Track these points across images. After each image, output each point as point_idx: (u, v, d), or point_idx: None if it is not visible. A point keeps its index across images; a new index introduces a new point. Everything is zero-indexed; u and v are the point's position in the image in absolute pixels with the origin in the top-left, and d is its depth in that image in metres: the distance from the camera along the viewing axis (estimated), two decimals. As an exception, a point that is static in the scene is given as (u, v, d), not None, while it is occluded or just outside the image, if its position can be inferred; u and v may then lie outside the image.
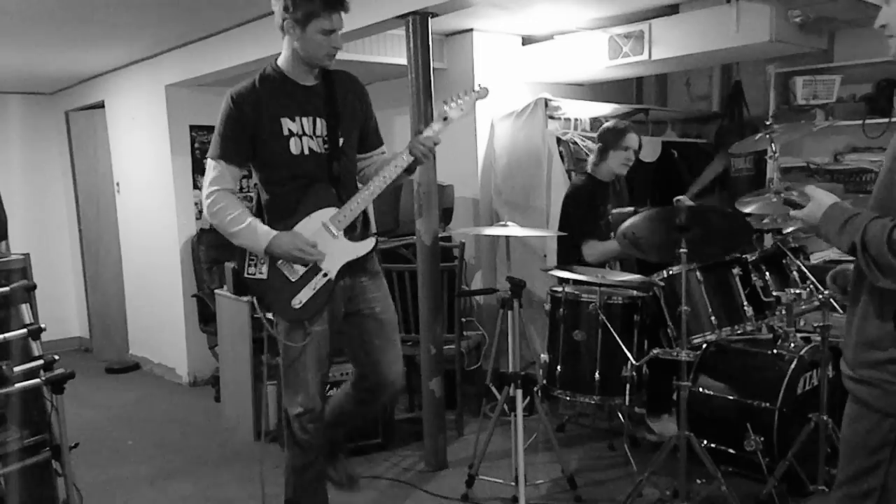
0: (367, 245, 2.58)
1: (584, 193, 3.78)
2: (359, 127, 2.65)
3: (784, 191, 1.78)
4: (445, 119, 2.58)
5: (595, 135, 3.98)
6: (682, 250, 2.82)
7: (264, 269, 2.51)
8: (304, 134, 2.49)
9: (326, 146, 2.53)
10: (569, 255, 3.73)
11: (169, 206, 5.37)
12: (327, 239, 2.50)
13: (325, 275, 2.51)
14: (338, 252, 2.52)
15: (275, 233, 2.47)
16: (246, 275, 2.55)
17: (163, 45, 4.91)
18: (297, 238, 2.46)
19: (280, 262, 2.50)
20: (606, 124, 3.92)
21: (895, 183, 1.51)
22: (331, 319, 2.58)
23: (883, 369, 1.53)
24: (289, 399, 2.62)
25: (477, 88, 2.65)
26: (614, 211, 3.78)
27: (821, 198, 1.64)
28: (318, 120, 2.52)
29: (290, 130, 2.48)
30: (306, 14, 2.35)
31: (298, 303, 2.50)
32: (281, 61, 2.51)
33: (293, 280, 2.50)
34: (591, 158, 3.86)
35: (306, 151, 2.49)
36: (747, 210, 3.10)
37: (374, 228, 2.69)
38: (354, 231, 2.57)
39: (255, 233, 2.47)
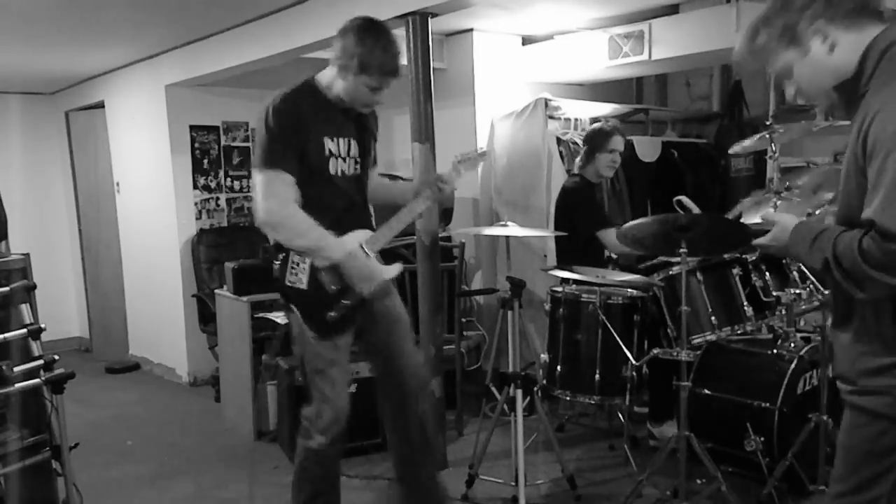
0: (397, 269, 2.62)
1: (581, 192, 3.80)
2: (374, 146, 2.71)
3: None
4: (458, 172, 2.76)
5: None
6: (681, 250, 2.82)
7: (304, 278, 2.47)
8: (340, 155, 2.52)
9: (356, 168, 2.58)
10: (569, 254, 3.74)
11: (169, 206, 5.37)
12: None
13: (357, 296, 2.52)
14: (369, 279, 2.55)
15: (348, 248, 2.46)
16: (287, 282, 2.48)
17: (163, 45, 4.91)
18: (373, 265, 2.50)
19: (322, 273, 2.47)
20: (593, 126, 3.95)
21: (850, 175, 1.50)
22: (354, 332, 2.60)
23: (891, 375, 1.50)
24: (313, 416, 2.54)
25: (480, 151, 2.87)
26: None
27: (783, 220, 1.65)
28: (351, 142, 2.56)
29: (330, 151, 2.49)
30: (362, 67, 2.40)
31: (332, 317, 2.49)
32: (325, 80, 2.52)
33: (330, 292, 2.48)
34: (578, 160, 3.89)
35: (340, 173, 2.52)
36: (752, 221, 3.10)
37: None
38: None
39: (334, 243, 2.44)
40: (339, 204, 2.54)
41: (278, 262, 2.50)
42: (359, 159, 2.58)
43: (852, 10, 1.50)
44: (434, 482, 2.84)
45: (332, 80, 2.50)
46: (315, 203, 2.47)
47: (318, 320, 2.48)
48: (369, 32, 2.41)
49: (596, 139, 3.79)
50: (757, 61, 1.63)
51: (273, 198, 2.39)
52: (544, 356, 3.39)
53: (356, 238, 2.53)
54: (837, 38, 1.51)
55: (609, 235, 3.65)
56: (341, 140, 2.52)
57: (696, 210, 3.47)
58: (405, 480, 2.80)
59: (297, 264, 2.47)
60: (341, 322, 2.51)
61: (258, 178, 2.43)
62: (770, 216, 1.70)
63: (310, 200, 2.47)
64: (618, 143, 3.76)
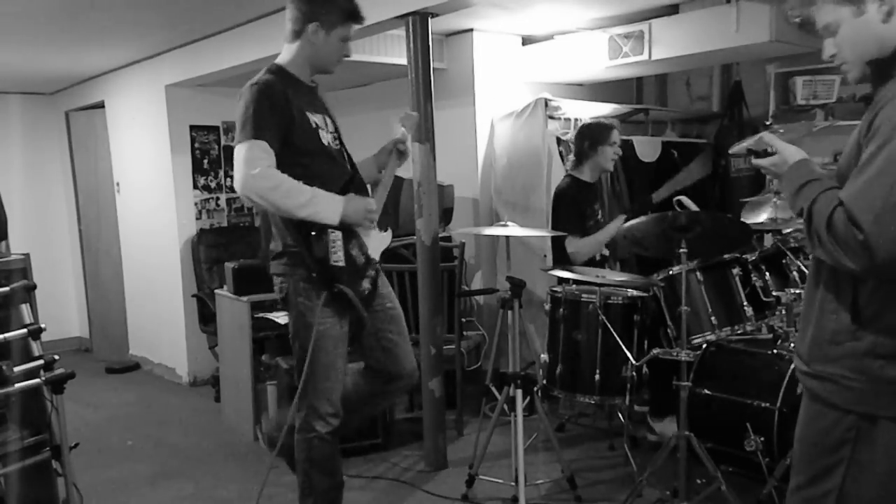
0: (390, 235, 2.66)
1: (567, 195, 3.83)
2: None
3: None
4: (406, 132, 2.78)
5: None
6: (682, 250, 2.82)
7: (341, 255, 2.43)
8: (323, 128, 2.54)
9: (337, 143, 2.61)
10: (560, 256, 3.77)
11: (169, 206, 5.37)
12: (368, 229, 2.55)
13: (375, 262, 2.57)
14: (376, 242, 2.59)
15: (343, 196, 2.43)
16: (332, 262, 2.42)
17: (163, 45, 4.91)
18: (364, 200, 2.47)
19: (351, 245, 2.46)
20: (587, 122, 3.96)
21: (853, 144, 1.50)
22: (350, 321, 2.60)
23: (839, 364, 1.51)
24: (319, 402, 2.54)
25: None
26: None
27: (786, 151, 1.63)
28: (326, 118, 2.59)
29: (315, 123, 2.52)
30: (334, 21, 2.47)
31: (364, 290, 2.52)
32: (287, 58, 2.54)
33: (359, 266, 2.50)
34: (571, 160, 3.89)
35: (329, 145, 2.55)
36: (753, 220, 3.11)
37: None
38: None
39: (329, 198, 2.39)
40: (342, 175, 2.54)
41: (314, 242, 2.40)
42: (336, 134, 2.61)
43: None
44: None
45: (295, 53, 2.53)
46: (318, 177, 2.43)
47: (352, 295, 2.46)
48: None
49: (597, 134, 3.80)
50: (806, 7, 1.56)
51: (254, 165, 2.32)
52: (544, 356, 3.40)
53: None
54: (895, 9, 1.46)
55: (572, 244, 3.69)
56: (318, 115, 2.55)
57: (695, 210, 3.47)
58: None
59: (335, 242, 2.42)
60: (370, 293, 2.55)
61: (240, 150, 2.36)
62: (775, 142, 1.65)
63: (313, 176, 2.42)
64: (616, 135, 3.81)
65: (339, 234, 2.42)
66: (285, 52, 2.55)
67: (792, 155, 1.61)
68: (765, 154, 1.66)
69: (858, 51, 1.52)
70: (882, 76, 1.50)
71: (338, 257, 2.42)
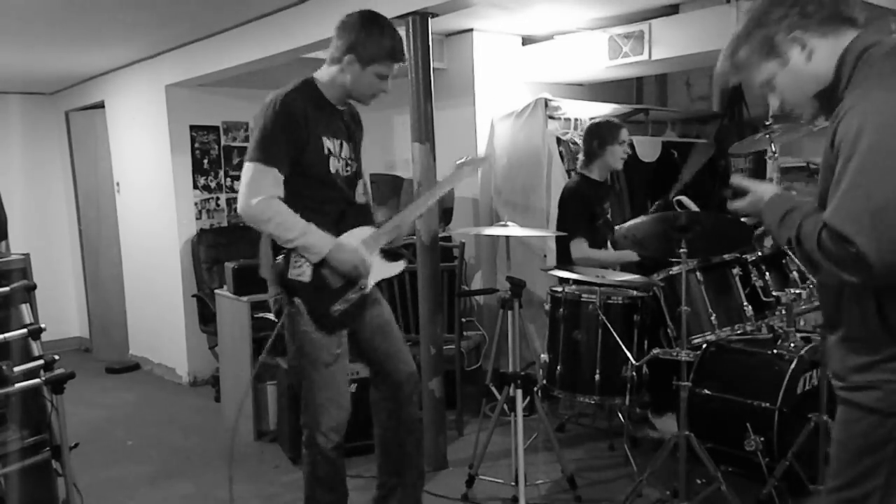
0: (400, 266, 2.66)
1: (576, 194, 3.81)
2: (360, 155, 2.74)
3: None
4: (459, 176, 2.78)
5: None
6: (681, 250, 2.82)
7: (308, 271, 2.47)
8: (336, 155, 2.54)
9: (349, 170, 2.60)
10: (563, 256, 3.76)
11: (169, 206, 5.37)
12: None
13: (362, 288, 2.54)
14: (374, 269, 2.58)
15: (336, 240, 2.47)
16: (290, 276, 2.47)
17: (163, 45, 4.91)
18: (356, 254, 2.49)
19: (324, 268, 2.47)
20: (596, 121, 3.95)
21: (825, 165, 1.53)
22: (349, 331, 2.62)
23: (879, 369, 1.52)
24: (318, 417, 2.54)
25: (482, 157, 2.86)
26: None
27: (759, 189, 1.69)
28: (344, 143, 2.58)
29: (329, 149, 2.51)
30: (372, 57, 2.46)
31: (336, 311, 2.50)
32: (324, 78, 2.55)
33: (333, 287, 2.50)
34: (581, 159, 3.88)
35: (336, 172, 2.54)
36: (753, 220, 3.10)
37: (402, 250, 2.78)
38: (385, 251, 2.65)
39: (318, 237, 2.44)
40: (339, 202, 2.55)
41: (281, 257, 2.49)
42: (350, 161, 2.61)
43: (826, 18, 1.54)
44: (417, 489, 2.85)
45: (332, 76, 2.53)
46: (316, 202, 2.49)
47: (322, 314, 2.49)
48: (374, 22, 2.48)
49: (606, 133, 3.78)
50: (739, 75, 1.69)
51: (259, 193, 2.39)
52: (544, 356, 3.39)
53: (357, 235, 2.54)
54: (815, 46, 1.55)
55: (578, 248, 3.67)
56: (335, 141, 2.54)
57: (695, 210, 3.47)
58: (387, 485, 2.81)
59: (301, 257, 2.46)
60: (345, 316, 2.52)
61: (248, 170, 2.43)
62: (746, 184, 1.73)
63: (310, 199, 2.48)
64: (626, 134, 3.80)
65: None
66: (324, 70, 2.56)
67: (765, 191, 1.67)
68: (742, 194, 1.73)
69: (799, 93, 1.62)
70: (831, 103, 1.56)
71: (299, 272, 2.46)
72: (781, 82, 1.62)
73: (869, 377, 1.53)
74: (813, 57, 1.56)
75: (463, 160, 2.77)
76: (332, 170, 2.52)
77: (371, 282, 2.58)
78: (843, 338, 1.58)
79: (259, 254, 2.67)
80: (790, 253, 3.18)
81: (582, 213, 3.75)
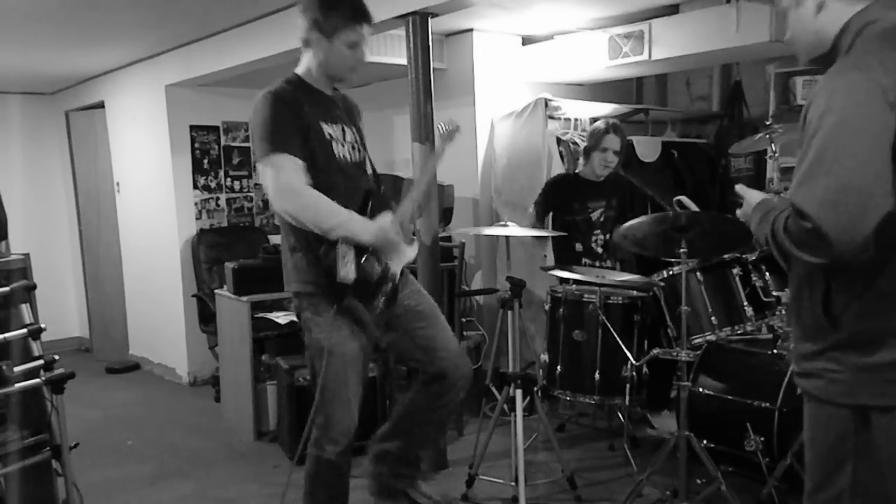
0: (416, 249, 2.59)
1: (553, 181, 3.96)
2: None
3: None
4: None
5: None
6: (681, 250, 2.82)
7: (352, 269, 2.35)
8: (338, 140, 2.48)
9: (358, 155, 2.55)
10: (561, 256, 3.76)
11: (169, 206, 5.37)
12: None
13: (393, 277, 2.48)
14: (400, 255, 2.53)
15: (376, 223, 2.40)
16: (339, 278, 2.35)
17: (163, 45, 4.91)
18: (392, 223, 2.42)
19: (364, 260, 2.39)
20: (594, 124, 3.97)
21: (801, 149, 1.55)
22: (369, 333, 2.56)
23: (823, 358, 1.52)
24: (330, 421, 2.50)
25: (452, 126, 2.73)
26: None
27: (750, 196, 1.71)
28: (346, 128, 2.53)
29: (329, 134, 2.45)
30: (334, 26, 2.39)
31: (378, 305, 2.45)
32: (304, 68, 2.51)
33: (373, 281, 2.42)
34: (581, 160, 3.95)
35: (344, 158, 2.48)
36: None
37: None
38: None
39: (361, 222, 2.36)
40: (354, 189, 2.48)
41: (323, 256, 2.36)
42: (356, 145, 2.55)
43: None
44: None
45: (308, 62, 2.49)
46: (327, 190, 2.38)
47: (363, 313, 2.44)
48: None
49: (590, 139, 3.84)
50: None
51: (287, 185, 2.31)
52: (544, 356, 3.40)
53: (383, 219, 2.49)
54: (828, 4, 1.56)
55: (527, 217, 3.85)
56: (335, 126, 2.49)
57: (695, 210, 3.47)
58: (403, 434, 2.79)
59: (345, 255, 2.35)
60: (385, 307, 2.47)
61: (267, 170, 2.34)
62: (741, 190, 1.75)
63: (320, 188, 2.38)
64: (610, 141, 3.75)
65: (350, 248, 2.36)
66: (301, 62, 2.52)
67: (753, 198, 1.69)
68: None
69: (799, 38, 1.65)
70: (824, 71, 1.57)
71: (346, 272, 2.34)
72: (791, 19, 1.64)
73: (813, 365, 1.55)
74: (822, 12, 1.56)
75: (442, 129, 2.72)
76: (338, 155, 2.46)
77: (398, 269, 2.51)
78: (796, 324, 1.61)
79: (280, 253, 2.59)
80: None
81: (542, 195, 3.92)
